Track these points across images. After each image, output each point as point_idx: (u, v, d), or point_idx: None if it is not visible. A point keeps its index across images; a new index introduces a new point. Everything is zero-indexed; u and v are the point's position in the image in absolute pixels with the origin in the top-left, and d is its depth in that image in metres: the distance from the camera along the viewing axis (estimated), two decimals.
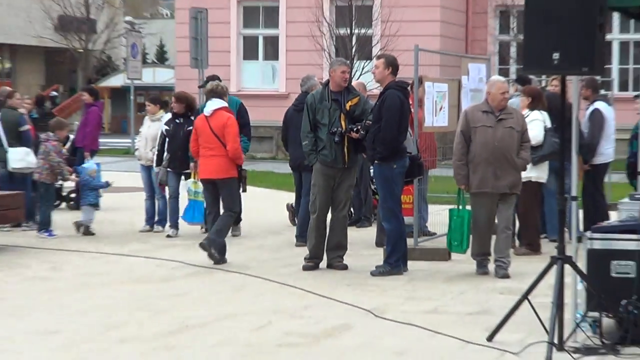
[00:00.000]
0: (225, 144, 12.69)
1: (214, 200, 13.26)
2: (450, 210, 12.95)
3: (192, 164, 14.79)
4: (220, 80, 14.63)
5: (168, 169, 15.11)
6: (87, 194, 15.67)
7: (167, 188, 15.71)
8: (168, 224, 15.67)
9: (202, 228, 15.28)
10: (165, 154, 15.00)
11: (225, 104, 13.41)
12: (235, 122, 13.28)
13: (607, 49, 11.47)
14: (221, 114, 12.96)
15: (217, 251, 12.45)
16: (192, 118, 14.79)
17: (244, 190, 15.09)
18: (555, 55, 8.00)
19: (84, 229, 15.33)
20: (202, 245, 12.52)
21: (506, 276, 11.61)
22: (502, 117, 11.63)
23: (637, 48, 34.14)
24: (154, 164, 15.44)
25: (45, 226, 15.32)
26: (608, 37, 19.92)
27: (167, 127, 15.09)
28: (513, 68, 31.43)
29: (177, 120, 15.10)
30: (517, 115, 12.20)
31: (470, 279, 12.03)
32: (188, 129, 14.38)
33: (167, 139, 14.96)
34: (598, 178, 14.74)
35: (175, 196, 15.33)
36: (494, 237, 12.00)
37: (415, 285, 11.85)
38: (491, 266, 11.94)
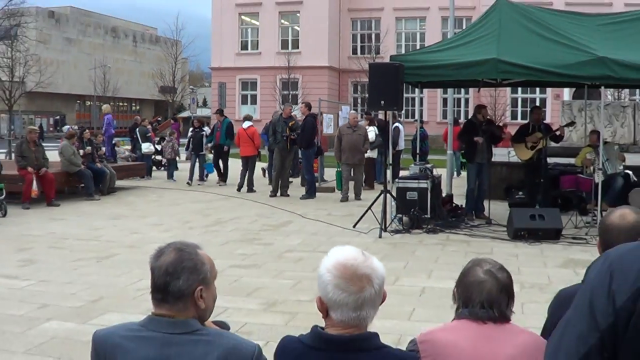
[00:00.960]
0: (253, 140, 21.85)
1: (244, 167, 22.17)
2: (337, 171, 22.01)
3: (208, 145, 24.38)
4: (223, 112, 25.27)
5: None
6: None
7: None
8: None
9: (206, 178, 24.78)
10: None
11: (252, 124, 22.41)
12: (257, 131, 22.35)
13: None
14: (251, 127, 22.02)
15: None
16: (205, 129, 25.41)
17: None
18: (382, 102, 14.21)
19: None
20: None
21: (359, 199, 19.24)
22: (355, 129, 19.92)
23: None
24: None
25: (170, 177, 25.80)
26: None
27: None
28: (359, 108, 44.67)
29: (197, 130, 25.01)
30: (362, 129, 20.48)
31: (344, 202, 19.52)
32: (201, 134, 24.64)
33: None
34: (397, 157, 22.84)
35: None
36: (351, 183, 19.97)
37: (319, 203, 19.05)
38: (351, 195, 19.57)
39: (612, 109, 27.11)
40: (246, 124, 22.88)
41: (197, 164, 24.87)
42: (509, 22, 14.91)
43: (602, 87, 15.26)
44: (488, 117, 16.87)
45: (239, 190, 21.67)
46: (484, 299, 3.22)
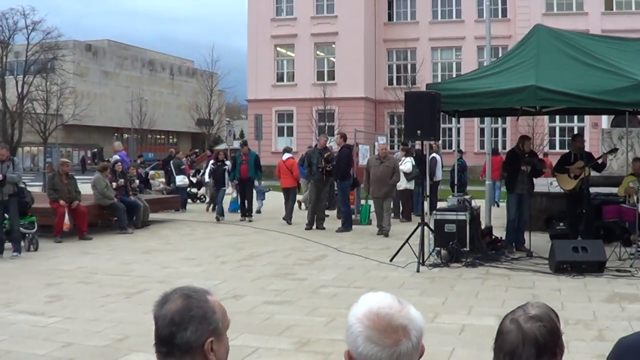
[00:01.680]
0: (292, 172, 21.77)
1: (286, 199, 22.08)
2: (362, 205, 21.62)
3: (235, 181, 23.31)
4: (247, 144, 24.20)
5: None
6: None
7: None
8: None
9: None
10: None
11: (291, 155, 22.41)
12: (295, 163, 22.18)
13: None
14: (290, 159, 22.00)
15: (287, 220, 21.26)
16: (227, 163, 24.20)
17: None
18: (419, 132, 13.78)
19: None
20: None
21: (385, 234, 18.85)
22: (383, 161, 19.10)
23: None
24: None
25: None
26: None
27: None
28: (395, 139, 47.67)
29: (219, 164, 24.20)
30: (391, 160, 19.55)
31: (378, 235, 18.97)
32: (223, 168, 23.77)
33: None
34: (435, 188, 22.38)
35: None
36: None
37: (355, 236, 18.72)
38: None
39: None
40: (285, 156, 22.84)
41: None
42: (547, 48, 14.60)
43: None
44: (531, 149, 16.30)
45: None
46: (507, 351, 2.85)
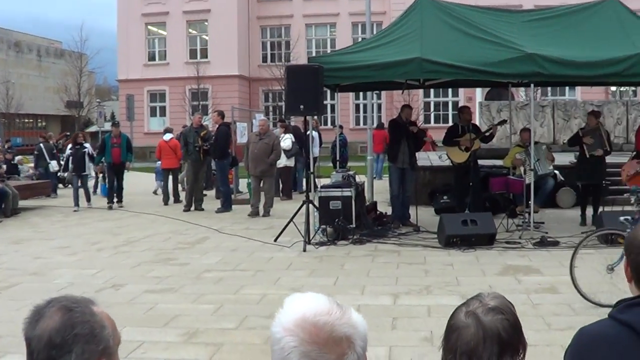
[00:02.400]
0: (176, 152, 21.01)
1: (166, 180, 21.51)
2: (247, 183, 20.44)
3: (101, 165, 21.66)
4: (118, 125, 22.27)
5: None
6: None
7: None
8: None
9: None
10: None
11: (173, 136, 21.53)
12: (178, 143, 21.04)
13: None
14: (173, 140, 21.34)
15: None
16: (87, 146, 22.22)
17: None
18: (301, 107, 13.31)
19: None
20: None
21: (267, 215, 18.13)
22: (262, 137, 18.37)
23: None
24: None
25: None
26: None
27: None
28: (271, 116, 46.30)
29: (77, 147, 21.62)
30: (271, 137, 18.76)
31: (253, 216, 18.00)
32: (82, 151, 21.39)
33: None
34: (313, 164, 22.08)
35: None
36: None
37: (236, 216, 18.05)
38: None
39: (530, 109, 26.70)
40: (168, 136, 22.34)
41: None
42: (431, 20, 14.36)
43: (513, 87, 14.56)
44: (410, 119, 16.02)
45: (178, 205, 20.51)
46: (464, 350, 2.40)
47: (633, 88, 43.89)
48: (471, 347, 2.39)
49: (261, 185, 18.57)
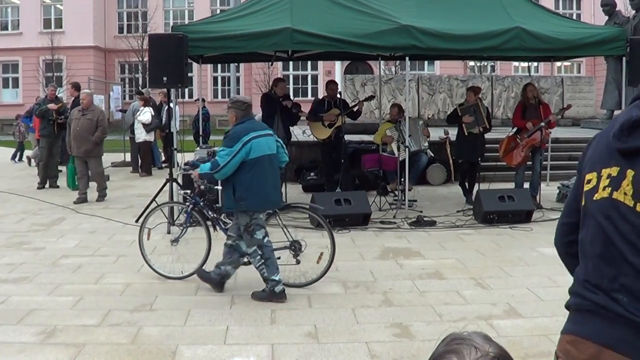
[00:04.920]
0: None
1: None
2: (68, 166, 18.11)
3: None
4: None
5: None
6: None
7: None
8: None
9: None
10: None
11: None
12: None
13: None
14: None
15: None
16: None
17: None
18: (165, 78, 12.44)
19: None
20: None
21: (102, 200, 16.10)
22: (85, 113, 15.89)
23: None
24: None
25: None
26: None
27: None
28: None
29: None
30: (95, 112, 16.21)
31: (80, 203, 15.68)
32: None
33: None
34: (170, 139, 21.12)
35: None
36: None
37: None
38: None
39: (396, 83, 26.45)
40: None
41: None
42: None
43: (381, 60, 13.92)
44: (285, 92, 15.23)
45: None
46: None
47: (492, 63, 44.44)
48: None
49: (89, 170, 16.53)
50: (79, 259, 10.18)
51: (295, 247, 8.68)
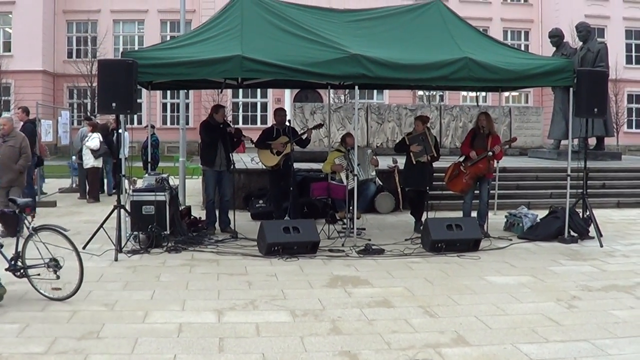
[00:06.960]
0: None
1: None
2: None
3: None
4: None
5: None
6: None
7: None
8: None
9: None
10: None
11: None
12: None
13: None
14: None
15: None
16: None
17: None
18: (114, 104, 12.20)
19: None
20: None
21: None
22: (6, 139, 14.42)
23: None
24: None
25: None
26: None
27: None
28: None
29: None
30: (18, 138, 14.65)
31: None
32: None
33: None
34: (119, 166, 20.94)
35: None
36: None
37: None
38: None
39: (345, 112, 26.57)
40: None
41: None
42: (252, 18, 13.56)
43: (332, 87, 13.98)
44: (225, 119, 15.11)
45: None
46: None
47: (441, 93, 44.82)
48: None
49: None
50: (24, 286, 9.91)
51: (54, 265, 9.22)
